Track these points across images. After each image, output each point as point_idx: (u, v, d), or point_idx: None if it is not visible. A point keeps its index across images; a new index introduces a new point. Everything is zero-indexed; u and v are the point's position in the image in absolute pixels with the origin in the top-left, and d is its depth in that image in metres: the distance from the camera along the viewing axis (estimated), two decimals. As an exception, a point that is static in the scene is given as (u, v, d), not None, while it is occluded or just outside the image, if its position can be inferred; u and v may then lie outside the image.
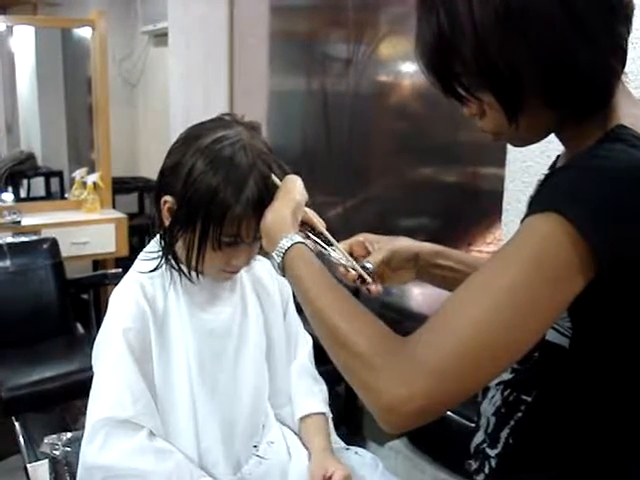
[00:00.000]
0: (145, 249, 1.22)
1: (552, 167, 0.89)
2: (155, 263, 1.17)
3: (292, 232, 0.93)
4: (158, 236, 1.17)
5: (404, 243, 1.06)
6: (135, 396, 1.10)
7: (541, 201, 0.69)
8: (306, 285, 0.84)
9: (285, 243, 0.90)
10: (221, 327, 1.20)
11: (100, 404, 1.11)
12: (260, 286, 1.29)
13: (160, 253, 1.16)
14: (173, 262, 1.16)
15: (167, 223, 1.13)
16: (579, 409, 0.78)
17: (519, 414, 0.83)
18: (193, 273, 1.15)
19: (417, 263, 1.05)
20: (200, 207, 1.06)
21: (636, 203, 0.65)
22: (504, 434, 0.85)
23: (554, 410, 0.80)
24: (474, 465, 0.90)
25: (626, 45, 0.74)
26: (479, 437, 0.90)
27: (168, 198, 1.11)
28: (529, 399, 0.82)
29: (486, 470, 0.87)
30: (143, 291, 1.16)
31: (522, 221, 0.71)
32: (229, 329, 1.21)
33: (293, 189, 1.02)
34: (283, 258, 0.89)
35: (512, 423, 0.83)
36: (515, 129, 0.75)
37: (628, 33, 0.74)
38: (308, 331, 1.39)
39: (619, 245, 0.65)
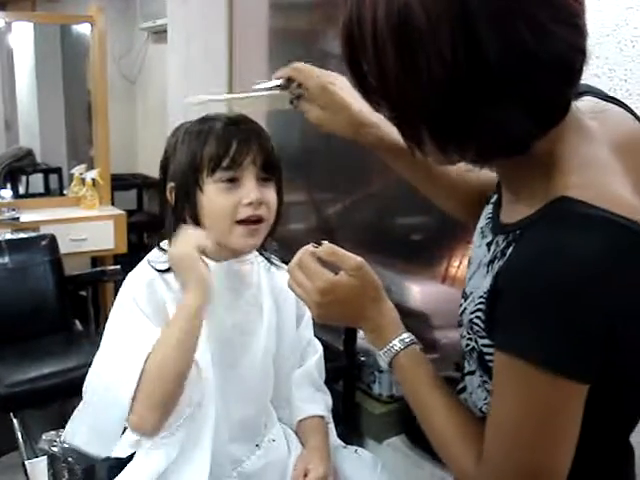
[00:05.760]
0: (161, 243, 1.22)
1: (498, 189, 0.87)
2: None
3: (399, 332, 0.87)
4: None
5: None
6: None
7: (512, 342, 0.68)
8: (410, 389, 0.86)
9: (396, 345, 0.85)
10: (235, 324, 1.21)
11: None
12: (278, 292, 1.28)
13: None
14: None
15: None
16: None
17: None
18: (208, 260, 1.12)
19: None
20: (186, 168, 1.14)
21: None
22: None
23: None
24: None
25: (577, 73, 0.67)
26: None
27: (171, 184, 1.17)
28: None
29: None
30: (156, 274, 1.17)
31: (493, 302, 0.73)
32: (242, 327, 1.22)
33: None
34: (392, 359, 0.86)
35: None
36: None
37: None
38: (319, 338, 1.39)
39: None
